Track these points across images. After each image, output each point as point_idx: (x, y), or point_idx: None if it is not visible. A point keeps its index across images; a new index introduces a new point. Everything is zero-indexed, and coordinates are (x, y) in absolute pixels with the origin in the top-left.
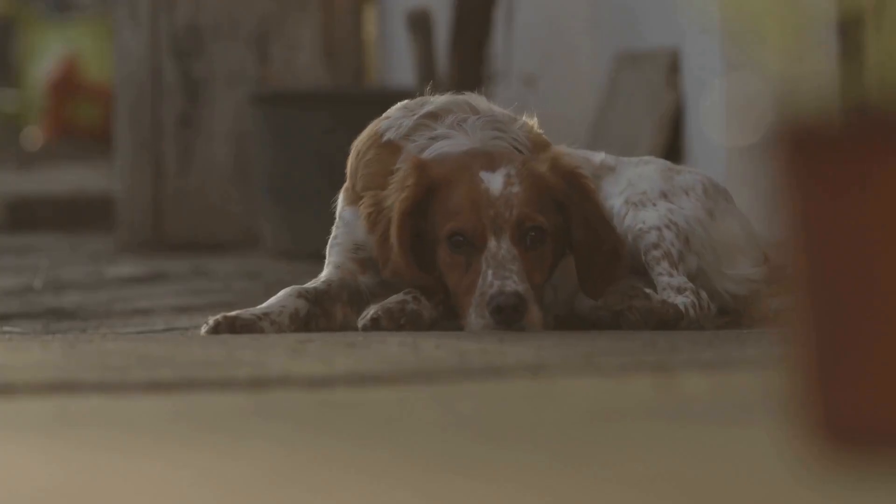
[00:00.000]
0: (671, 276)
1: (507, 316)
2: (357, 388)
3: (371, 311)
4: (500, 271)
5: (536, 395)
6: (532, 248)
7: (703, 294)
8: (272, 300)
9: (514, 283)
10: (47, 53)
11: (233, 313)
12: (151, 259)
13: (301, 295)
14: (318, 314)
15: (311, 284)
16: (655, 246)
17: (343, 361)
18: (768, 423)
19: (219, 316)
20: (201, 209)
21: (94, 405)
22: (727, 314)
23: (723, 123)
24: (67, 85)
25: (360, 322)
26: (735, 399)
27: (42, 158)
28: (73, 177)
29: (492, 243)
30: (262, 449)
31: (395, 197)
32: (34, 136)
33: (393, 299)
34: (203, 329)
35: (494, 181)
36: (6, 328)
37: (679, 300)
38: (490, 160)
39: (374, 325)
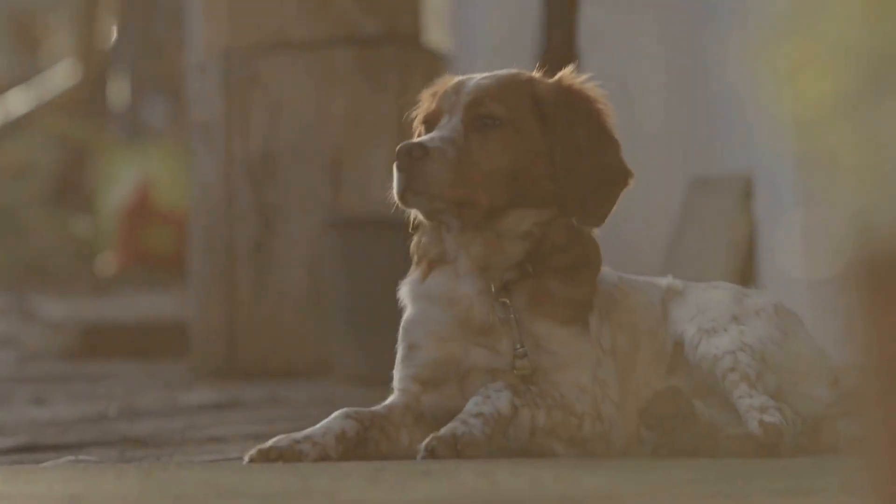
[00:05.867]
0: (751, 396)
1: (401, 161)
2: None
3: (426, 441)
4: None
5: None
6: (481, 131)
7: (787, 410)
8: (320, 423)
9: (427, 139)
10: (121, 179)
11: (268, 443)
12: (225, 386)
13: (350, 416)
14: (377, 438)
15: (369, 408)
16: (731, 370)
17: (419, 490)
18: None
19: (253, 451)
20: (275, 335)
21: None
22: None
23: (798, 254)
24: (141, 210)
25: (419, 455)
26: None
27: (116, 284)
28: (147, 303)
29: (443, 121)
30: None
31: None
32: (108, 262)
33: (446, 428)
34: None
35: (475, 78)
36: (81, 457)
37: (766, 419)
38: None
39: (431, 455)
